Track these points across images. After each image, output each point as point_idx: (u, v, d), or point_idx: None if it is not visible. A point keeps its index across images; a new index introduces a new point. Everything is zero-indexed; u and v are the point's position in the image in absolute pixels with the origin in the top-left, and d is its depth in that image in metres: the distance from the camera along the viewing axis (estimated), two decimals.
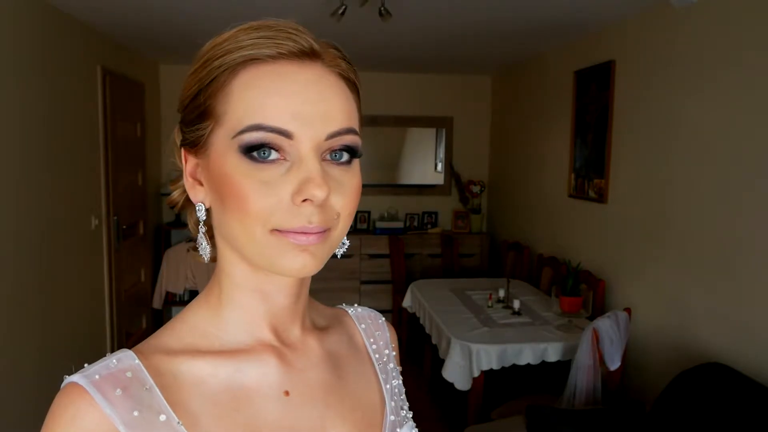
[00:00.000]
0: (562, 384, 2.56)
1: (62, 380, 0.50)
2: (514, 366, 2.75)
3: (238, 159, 0.49)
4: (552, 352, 2.72)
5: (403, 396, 0.70)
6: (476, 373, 2.67)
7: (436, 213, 5.14)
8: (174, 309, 4.86)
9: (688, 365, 2.21)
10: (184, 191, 0.60)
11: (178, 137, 0.57)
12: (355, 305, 0.75)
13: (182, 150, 0.55)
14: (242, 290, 0.56)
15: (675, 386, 2.14)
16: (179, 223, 4.75)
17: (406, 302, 3.77)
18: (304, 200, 0.48)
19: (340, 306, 0.73)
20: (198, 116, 0.52)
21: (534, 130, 4.25)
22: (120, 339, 3.68)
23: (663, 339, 2.69)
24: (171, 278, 4.50)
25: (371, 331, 0.72)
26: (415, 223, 5.08)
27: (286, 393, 0.56)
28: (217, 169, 0.50)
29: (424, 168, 5.27)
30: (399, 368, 0.73)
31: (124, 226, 3.76)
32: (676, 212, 2.61)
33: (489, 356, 2.67)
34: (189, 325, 0.56)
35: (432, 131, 5.16)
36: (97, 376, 0.48)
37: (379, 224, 4.88)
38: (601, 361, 2.50)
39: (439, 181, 5.20)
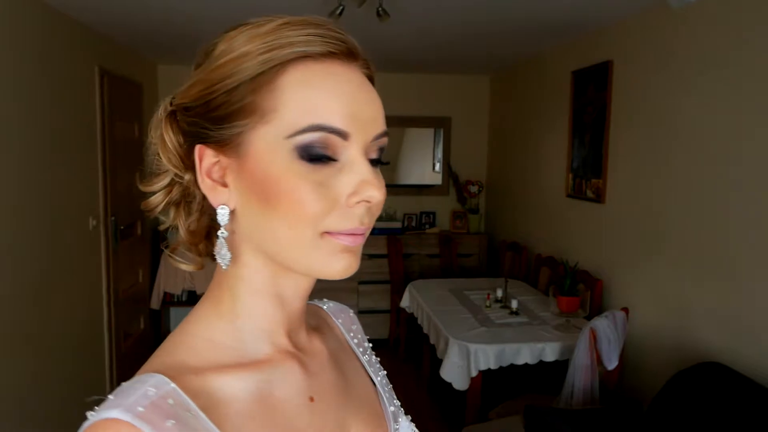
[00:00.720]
0: (560, 384, 2.57)
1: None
2: (511, 366, 2.75)
3: (291, 160, 0.47)
4: (550, 352, 2.73)
5: (391, 386, 0.71)
6: (474, 373, 2.67)
7: (434, 213, 5.15)
8: (172, 309, 4.86)
9: (685, 365, 2.21)
10: (168, 193, 0.56)
11: (168, 133, 0.53)
12: (325, 300, 0.74)
13: (196, 148, 0.51)
14: (261, 297, 0.54)
15: (672, 385, 2.15)
16: None
17: (404, 302, 3.78)
18: (358, 201, 0.48)
19: (312, 302, 0.72)
20: (234, 112, 0.48)
21: (532, 131, 4.25)
22: (118, 339, 3.67)
23: (660, 338, 2.69)
24: (169, 279, 4.50)
25: (348, 325, 0.73)
26: (414, 223, 5.08)
27: (311, 399, 0.56)
28: (262, 170, 0.48)
29: (422, 168, 5.27)
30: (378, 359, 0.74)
31: (122, 227, 3.76)
32: (673, 212, 2.62)
33: (487, 356, 2.67)
34: (204, 340, 0.52)
35: (430, 131, 5.17)
36: (140, 408, 0.43)
37: (377, 224, 4.85)
38: (599, 360, 2.50)
39: (437, 181, 5.20)
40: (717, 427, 1.90)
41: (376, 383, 0.68)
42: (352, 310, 0.76)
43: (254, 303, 0.54)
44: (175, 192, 0.56)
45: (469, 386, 2.72)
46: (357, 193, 0.48)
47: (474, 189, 5.01)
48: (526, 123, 4.37)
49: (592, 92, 3.31)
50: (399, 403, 0.69)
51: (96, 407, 0.44)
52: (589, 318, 2.81)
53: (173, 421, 0.44)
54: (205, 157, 0.51)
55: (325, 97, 0.48)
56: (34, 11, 2.70)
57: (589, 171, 3.35)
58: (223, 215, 0.51)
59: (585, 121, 3.39)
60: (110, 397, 0.44)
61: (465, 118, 5.15)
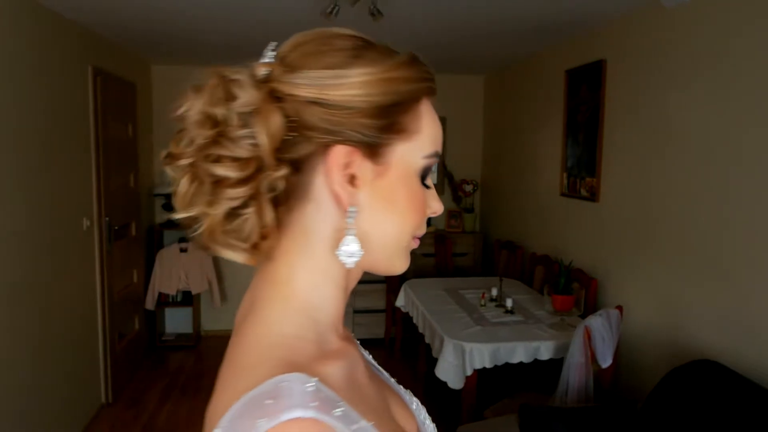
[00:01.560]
0: (555, 382, 2.58)
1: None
2: (506, 364, 2.76)
3: (416, 175, 0.57)
4: (544, 351, 2.74)
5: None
6: (469, 372, 2.67)
7: None
8: (167, 310, 4.85)
9: (679, 362, 2.23)
10: (256, 184, 0.51)
11: (277, 118, 0.50)
12: None
13: (336, 147, 0.52)
14: (338, 290, 0.58)
15: (666, 383, 2.16)
16: (172, 223, 4.73)
17: (400, 302, 3.78)
18: (429, 213, 0.60)
19: None
20: (389, 125, 0.54)
21: (526, 130, 4.26)
22: (113, 340, 3.66)
23: (654, 336, 2.71)
24: (164, 279, 4.49)
25: None
26: None
27: (371, 378, 0.63)
28: (400, 179, 0.56)
29: None
30: None
31: (116, 227, 3.74)
32: (667, 210, 2.63)
33: (482, 355, 2.68)
34: (293, 337, 0.53)
35: None
36: (313, 404, 0.44)
37: None
38: (593, 358, 2.51)
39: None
40: (711, 424, 1.91)
41: (368, 359, 0.73)
42: None
43: (332, 296, 0.57)
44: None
45: (465, 385, 2.72)
46: (431, 206, 0.60)
47: (469, 188, 5.02)
48: (520, 122, 4.38)
49: (585, 91, 3.32)
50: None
51: (223, 424, 0.44)
52: (583, 316, 2.82)
53: (341, 409, 0.46)
54: (341, 157, 0.52)
55: (438, 129, 0.59)
56: (27, 11, 2.69)
57: (583, 170, 3.36)
58: (352, 215, 0.54)
59: (579, 120, 3.41)
60: (267, 402, 0.44)
61: (460, 118, 5.16)
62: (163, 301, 4.66)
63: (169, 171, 0.54)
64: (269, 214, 0.52)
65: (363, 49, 0.54)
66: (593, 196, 3.23)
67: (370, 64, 0.53)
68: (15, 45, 2.60)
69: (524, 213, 4.30)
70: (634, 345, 2.84)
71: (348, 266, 0.55)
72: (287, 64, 0.53)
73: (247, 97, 0.50)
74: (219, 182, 0.50)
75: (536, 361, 2.77)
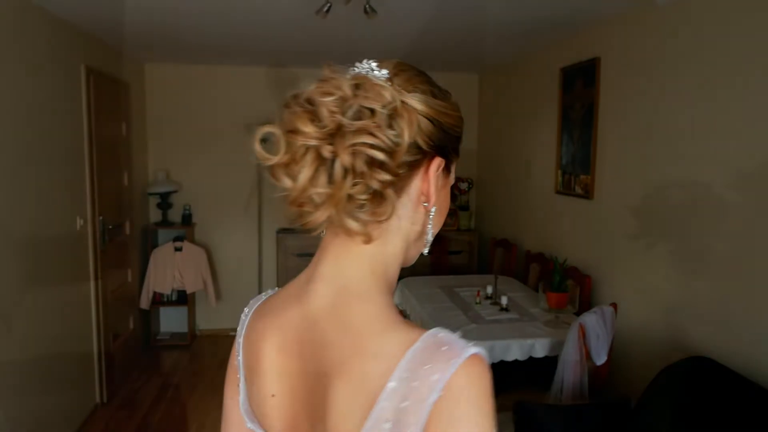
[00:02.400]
0: (550, 379, 2.59)
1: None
2: (501, 362, 2.76)
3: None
4: (539, 348, 2.74)
5: None
6: None
7: None
8: (162, 309, 4.83)
9: (673, 359, 2.24)
10: (400, 174, 0.61)
11: (414, 125, 0.61)
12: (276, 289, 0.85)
13: (438, 159, 0.66)
14: (399, 271, 0.70)
15: (660, 380, 2.17)
16: (166, 222, 4.71)
17: (395, 299, 3.78)
18: None
19: (273, 290, 0.83)
20: (456, 149, 0.70)
21: (521, 128, 4.27)
22: (107, 340, 3.65)
23: (648, 333, 2.72)
24: (158, 278, 4.48)
25: None
26: None
27: None
28: (447, 190, 0.72)
29: None
30: None
31: (110, 227, 3.73)
32: (661, 208, 2.64)
33: None
34: (392, 305, 0.65)
35: None
36: (471, 343, 0.57)
37: None
38: (588, 356, 2.52)
39: None
40: (705, 420, 1.92)
41: None
42: None
43: (396, 276, 0.69)
44: None
45: None
46: None
47: (464, 186, 5.02)
48: (515, 120, 4.39)
49: (580, 89, 3.32)
50: None
51: (399, 375, 0.55)
52: (578, 314, 2.83)
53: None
54: (438, 166, 0.66)
55: None
56: (19, 10, 2.67)
57: (578, 167, 3.37)
58: (433, 212, 0.69)
59: (573, 118, 3.41)
60: (443, 348, 0.56)
61: None
62: (158, 300, 4.64)
63: (258, 147, 0.60)
64: (393, 200, 0.61)
65: (441, 89, 0.68)
66: (588, 193, 3.24)
67: (454, 104, 0.68)
68: (7, 44, 2.58)
69: (519, 211, 4.31)
70: (629, 342, 2.85)
71: (424, 254, 0.74)
72: (400, 84, 0.64)
73: (395, 102, 0.60)
74: (371, 164, 0.59)
75: (531, 359, 2.77)
